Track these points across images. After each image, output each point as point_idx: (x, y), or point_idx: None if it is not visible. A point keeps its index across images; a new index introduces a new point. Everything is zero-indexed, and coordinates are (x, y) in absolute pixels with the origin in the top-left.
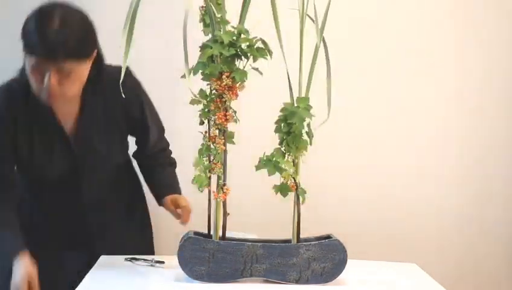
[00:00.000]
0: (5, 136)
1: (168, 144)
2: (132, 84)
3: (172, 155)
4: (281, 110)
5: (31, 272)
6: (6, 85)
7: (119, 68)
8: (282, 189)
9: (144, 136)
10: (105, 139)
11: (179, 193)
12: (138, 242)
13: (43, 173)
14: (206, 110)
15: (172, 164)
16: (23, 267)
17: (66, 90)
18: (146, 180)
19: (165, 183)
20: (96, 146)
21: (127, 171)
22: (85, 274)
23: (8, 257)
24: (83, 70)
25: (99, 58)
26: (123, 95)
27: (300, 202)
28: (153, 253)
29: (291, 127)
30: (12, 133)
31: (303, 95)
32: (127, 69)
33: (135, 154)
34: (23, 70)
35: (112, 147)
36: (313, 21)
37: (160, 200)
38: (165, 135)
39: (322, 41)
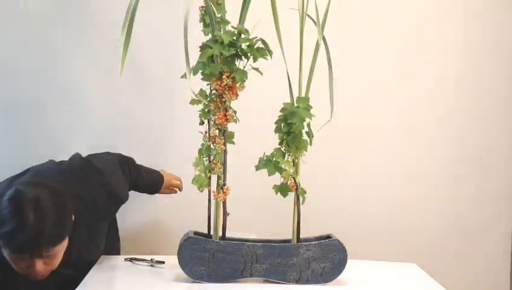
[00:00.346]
0: None
1: (122, 158)
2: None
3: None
4: (281, 110)
5: None
6: None
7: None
8: (282, 189)
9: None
10: (96, 247)
11: (162, 176)
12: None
13: None
14: (206, 110)
15: (134, 164)
16: None
17: (52, 267)
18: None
19: (153, 182)
20: (85, 255)
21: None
22: None
23: None
24: (64, 246)
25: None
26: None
27: (300, 202)
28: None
29: (291, 127)
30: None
31: (303, 95)
32: (92, 165)
33: None
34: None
35: (99, 243)
36: (313, 21)
37: (155, 192)
38: (110, 155)
39: (322, 41)
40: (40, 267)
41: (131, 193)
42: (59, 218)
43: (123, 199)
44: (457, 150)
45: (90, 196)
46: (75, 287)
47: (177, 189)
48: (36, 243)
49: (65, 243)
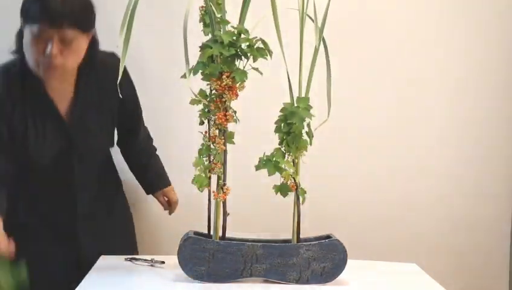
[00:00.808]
0: (2, 120)
1: (148, 131)
2: (124, 73)
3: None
4: (281, 110)
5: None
6: (3, 68)
7: (111, 54)
8: (282, 189)
9: (135, 123)
10: (98, 120)
11: (170, 184)
12: (120, 237)
13: (37, 153)
14: (206, 110)
15: (156, 150)
16: None
17: (66, 61)
18: (138, 171)
19: (159, 175)
20: (90, 126)
21: (110, 165)
22: (69, 271)
23: None
24: (82, 42)
25: (94, 41)
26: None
27: (300, 202)
28: (135, 248)
29: (291, 127)
30: (9, 116)
31: (303, 95)
32: (116, 56)
33: (125, 147)
34: (18, 51)
35: (104, 128)
36: (313, 21)
37: (152, 191)
38: None
39: (322, 42)
40: (56, 50)
41: (132, 193)
42: (86, 5)
43: (138, 106)
44: (457, 150)
45: (109, 65)
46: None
47: (166, 204)
48: (61, 12)
49: (82, 42)
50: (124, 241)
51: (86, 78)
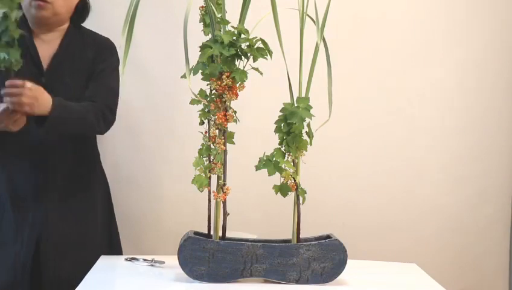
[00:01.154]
0: None
1: (108, 106)
2: (110, 44)
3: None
4: (281, 110)
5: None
6: None
7: (106, 37)
8: (282, 189)
9: (95, 95)
10: (75, 77)
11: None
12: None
13: None
14: (206, 110)
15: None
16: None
17: (56, 3)
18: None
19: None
20: (66, 80)
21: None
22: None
23: None
24: None
25: (84, 5)
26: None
27: (301, 202)
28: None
29: (291, 127)
30: None
31: (303, 95)
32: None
33: None
34: None
35: (77, 88)
36: (313, 21)
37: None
38: (114, 99)
39: (322, 41)
40: None
41: (130, 193)
42: None
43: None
44: (457, 150)
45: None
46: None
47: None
48: None
49: None
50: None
51: (72, 38)
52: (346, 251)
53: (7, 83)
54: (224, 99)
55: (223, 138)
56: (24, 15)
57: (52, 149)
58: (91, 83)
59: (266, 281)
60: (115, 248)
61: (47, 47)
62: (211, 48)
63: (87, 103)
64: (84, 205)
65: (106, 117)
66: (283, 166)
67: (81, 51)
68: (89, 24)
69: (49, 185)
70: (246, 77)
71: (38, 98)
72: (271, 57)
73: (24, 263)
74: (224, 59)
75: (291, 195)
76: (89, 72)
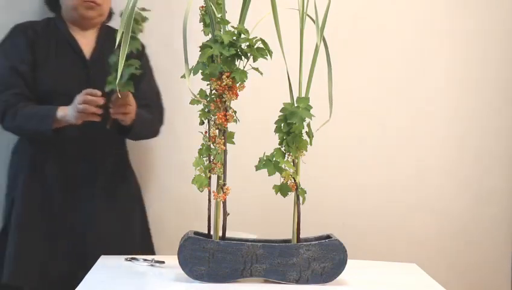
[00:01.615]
0: (21, 64)
1: (162, 112)
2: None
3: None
4: (281, 110)
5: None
6: (26, 22)
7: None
8: (282, 189)
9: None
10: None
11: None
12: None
13: (56, 83)
14: (206, 110)
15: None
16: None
17: (105, 5)
18: None
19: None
20: (107, 67)
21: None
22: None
23: (47, 119)
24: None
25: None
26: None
27: (301, 202)
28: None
29: (291, 127)
30: (30, 60)
31: (303, 95)
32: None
33: None
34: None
35: None
36: (313, 21)
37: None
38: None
39: (322, 41)
40: None
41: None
42: None
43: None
44: (457, 151)
45: None
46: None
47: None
48: None
49: None
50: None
51: (106, 34)
52: (346, 251)
53: (121, 96)
54: (224, 99)
55: (223, 138)
56: (56, 10)
57: (99, 142)
58: (138, 86)
59: (266, 281)
60: (148, 249)
61: (85, 41)
62: (211, 48)
63: (147, 110)
64: (126, 200)
65: (162, 121)
66: (283, 166)
67: (113, 47)
68: None
69: (98, 176)
70: (246, 77)
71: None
72: (271, 57)
73: (72, 253)
74: (224, 59)
75: (291, 195)
76: None
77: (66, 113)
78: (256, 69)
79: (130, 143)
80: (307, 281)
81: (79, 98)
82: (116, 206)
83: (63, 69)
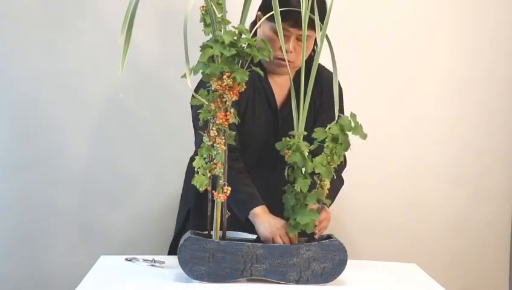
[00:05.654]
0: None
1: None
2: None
3: None
4: None
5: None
6: None
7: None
8: None
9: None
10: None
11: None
12: None
13: (249, 136)
14: (206, 110)
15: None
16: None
17: (298, 58)
18: None
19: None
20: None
21: None
22: None
23: (244, 212)
24: (312, 41)
25: (315, 40)
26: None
27: None
28: None
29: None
30: (242, 110)
31: (303, 95)
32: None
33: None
34: None
35: (308, 121)
36: (313, 21)
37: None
38: None
39: (327, 42)
40: (292, 47)
41: (131, 193)
42: (324, 7)
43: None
44: (457, 151)
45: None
46: None
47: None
48: (305, 14)
49: (313, 39)
50: None
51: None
52: (346, 251)
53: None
54: (224, 100)
55: (223, 138)
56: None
57: None
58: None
59: (266, 281)
60: None
61: (280, 89)
62: (212, 47)
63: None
64: None
65: (345, 164)
66: None
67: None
68: (88, 24)
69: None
70: (247, 77)
71: None
72: (271, 57)
73: None
74: (225, 59)
75: None
76: (315, 105)
77: (259, 221)
78: (257, 69)
79: (129, 140)
80: (307, 282)
81: (278, 238)
82: None
83: (258, 118)
